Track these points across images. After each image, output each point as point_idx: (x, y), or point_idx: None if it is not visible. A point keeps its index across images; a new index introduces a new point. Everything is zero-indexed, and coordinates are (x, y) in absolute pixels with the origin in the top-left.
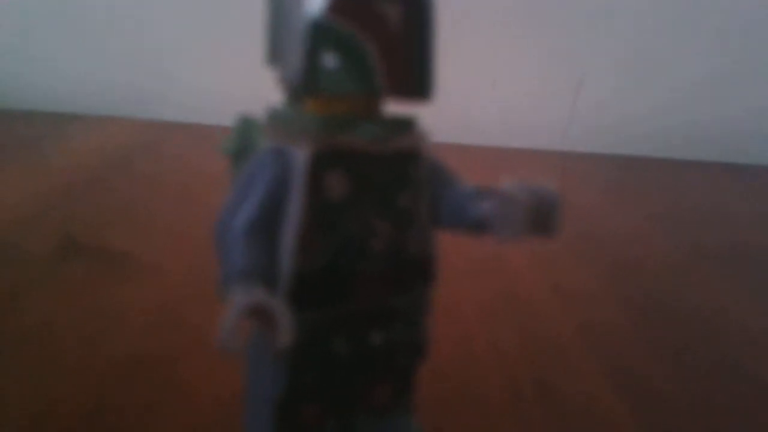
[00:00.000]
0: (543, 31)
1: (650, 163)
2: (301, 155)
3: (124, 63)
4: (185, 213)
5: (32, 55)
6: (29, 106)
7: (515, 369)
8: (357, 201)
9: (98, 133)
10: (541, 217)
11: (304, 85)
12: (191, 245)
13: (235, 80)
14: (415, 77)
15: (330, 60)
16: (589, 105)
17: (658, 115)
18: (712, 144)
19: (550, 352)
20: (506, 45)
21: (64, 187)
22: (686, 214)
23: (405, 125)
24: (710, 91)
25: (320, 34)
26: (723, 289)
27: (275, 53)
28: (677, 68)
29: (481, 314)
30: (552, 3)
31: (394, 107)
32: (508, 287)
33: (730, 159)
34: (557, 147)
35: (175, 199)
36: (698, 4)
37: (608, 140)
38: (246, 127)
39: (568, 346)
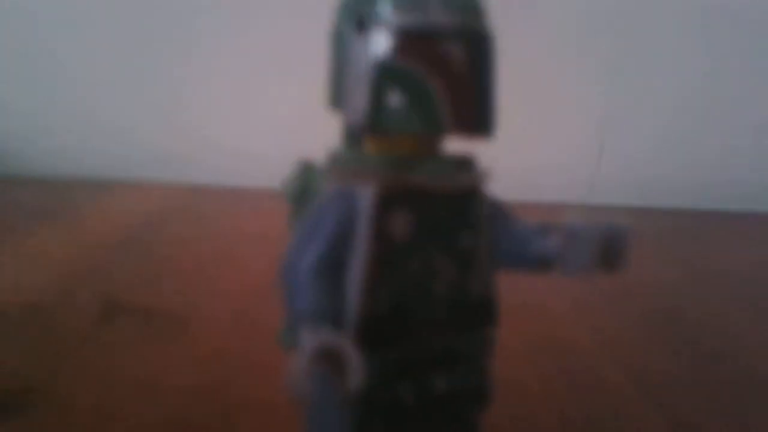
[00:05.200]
0: (567, 81)
1: (680, 214)
2: (366, 196)
3: (153, 127)
4: (224, 273)
5: (57, 123)
6: (57, 172)
7: (565, 406)
8: (420, 241)
9: (132, 199)
10: (611, 250)
11: (370, 125)
12: (233, 302)
13: (267, 142)
14: (478, 114)
15: (395, 99)
16: (617, 157)
17: (688, 168)
18: (744, 195)
19: (601, 396)
20: (532, 98)
21: (101, 251)
22: (724, 266)
23: (465, 164)
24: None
25: (386, 74)
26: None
27: (338, 96)
28: (713, 120)
29: (528, 354)
30: (575, 49)
31: (451, 145)
32: (551, 331)
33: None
34: (586, 200)
35: (213, 260)
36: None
37: (637, 192)
38: (306, 172)
39: (618, 390)
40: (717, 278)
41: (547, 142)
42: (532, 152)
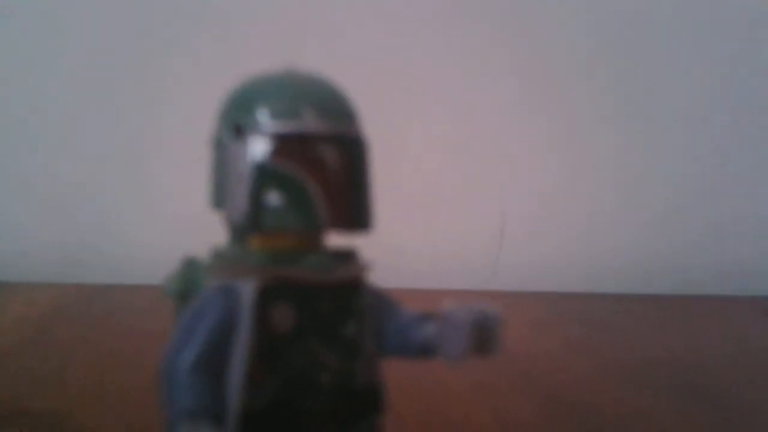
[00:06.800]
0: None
1: (578, 298)
2: (247, 290)
3: (44, 227)
4: (115, 374)
5: None
6: None
7: None
8: (303, 333)
9: (21, 301)
10: (484, 335)
11: (250, 223)
12: (124, 403)
13: (159, 239)
14: (354, 211)
15: (274, 199)
16: (516, 242)
17: (579, 250)
18: (636, 276)
19: None
20: (433, 185)
21: None
22: (632, 353)
23: (347, 256)
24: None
25: (264, 175)
26: (673, 424)
27: (220, 197)
28: (598, 201)
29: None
30: (475, 137)
31: (336, 240)
32: (447, 410)
33: (653, 290)
34: (487, 286)
35: (104, 361)
36: (611, 142)
37: (540, 278)
38: (189, 268)
39: None
40: (623, 365)
41: (448, 229)
42: (434, 239)
